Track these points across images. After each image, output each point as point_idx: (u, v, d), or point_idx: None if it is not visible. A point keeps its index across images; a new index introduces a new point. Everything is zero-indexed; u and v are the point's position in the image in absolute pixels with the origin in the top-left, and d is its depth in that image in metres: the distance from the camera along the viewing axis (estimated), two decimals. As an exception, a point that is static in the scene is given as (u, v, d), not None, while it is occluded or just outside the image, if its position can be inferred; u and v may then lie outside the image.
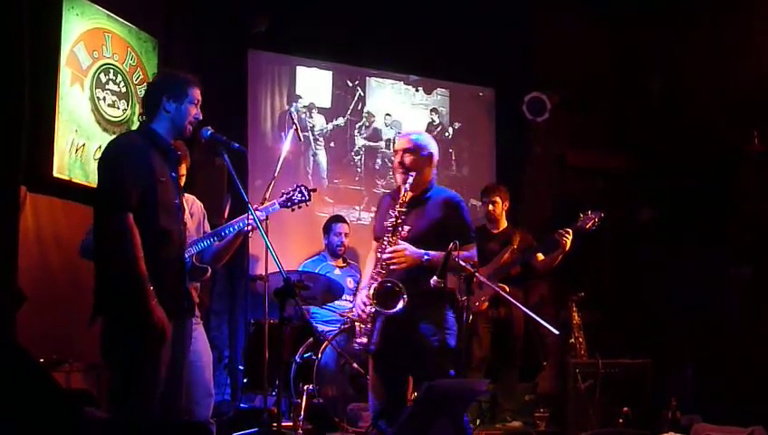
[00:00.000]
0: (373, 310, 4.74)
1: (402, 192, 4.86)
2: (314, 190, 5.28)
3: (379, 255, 4.81)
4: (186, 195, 4.90)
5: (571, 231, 6.83)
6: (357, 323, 4.86)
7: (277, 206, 5.08)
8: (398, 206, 4.82)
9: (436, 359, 4.76)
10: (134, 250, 3.84)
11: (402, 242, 4.77)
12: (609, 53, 8.57)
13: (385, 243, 4.79)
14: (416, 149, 4.93)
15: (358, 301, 4.90)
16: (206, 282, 5.58)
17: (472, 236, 4.99)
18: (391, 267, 4.74)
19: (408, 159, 4.90)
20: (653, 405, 6.67)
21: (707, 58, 8.00)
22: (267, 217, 5.17)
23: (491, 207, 7.22)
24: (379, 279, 4.74)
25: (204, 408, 5.00)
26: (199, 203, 5.25)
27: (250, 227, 4.76)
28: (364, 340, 4.77)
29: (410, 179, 4.85)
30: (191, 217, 5.01)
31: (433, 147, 5.04)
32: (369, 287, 4.76)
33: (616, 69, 8.61)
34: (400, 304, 4.67)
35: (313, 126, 8.28)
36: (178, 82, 4.16)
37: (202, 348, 5.04)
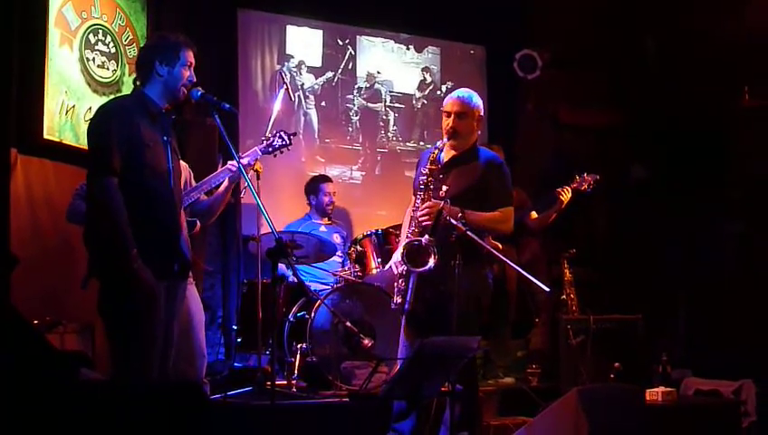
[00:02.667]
0: (405, 268, 4.70)
1: (435, 150, 4.80)
2: (294, 135, 5.32)
3: (412, 213, 4.77)
4: None
5: (570, 188, 6.85)
6: (395, 283, 4.81)
7: (259, 152, 5.10)
8: (428, 163, 4.77)
9: (470, 321, 4.69)
10: (116, 213, 3.88)
11: (434, 199, 4.70)
12: (601, 9, 8.52)
13: (418, 201, 4.74)
14: (468, 114, 4.86)
15: (395, 258, 4.87)
16: (198, 241, 5.59)
17: (510, 200, 4.94)
18: (423, 224, 4.69)
19: (460, 123, 4.84)
20: (644, 360, 6.72)
21: (700, 14, 7.96)
22: (253, 165, 5.18)
23: None
24: (412, 238, 4.70)
25: (197, 368, 5.04)
26: (183, 163, 5.27)
27: (244, 188, 4.78)
28: (399, 299, 4.74)
29: (446, 139, 4.80)
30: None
31: (481, 107, 4.96)
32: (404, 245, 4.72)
33: (608, 25, 8.57)
34: (431, 262, 4.61)
35: (303, 84, 8.25)
36: (171, 46, 4.17)
37: (194, 308, 5.06)
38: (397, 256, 4.84)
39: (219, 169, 4.98)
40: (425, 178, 4.75)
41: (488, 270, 4.92)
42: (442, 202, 4.70)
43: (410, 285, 4.69)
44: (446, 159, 4.85)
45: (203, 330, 5.15)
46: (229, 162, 4.94)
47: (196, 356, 5.02)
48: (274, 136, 5.14)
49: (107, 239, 3.93)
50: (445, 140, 4.82)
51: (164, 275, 4.06)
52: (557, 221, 7.09)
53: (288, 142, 5.17)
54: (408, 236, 4.75)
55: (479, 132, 4.99)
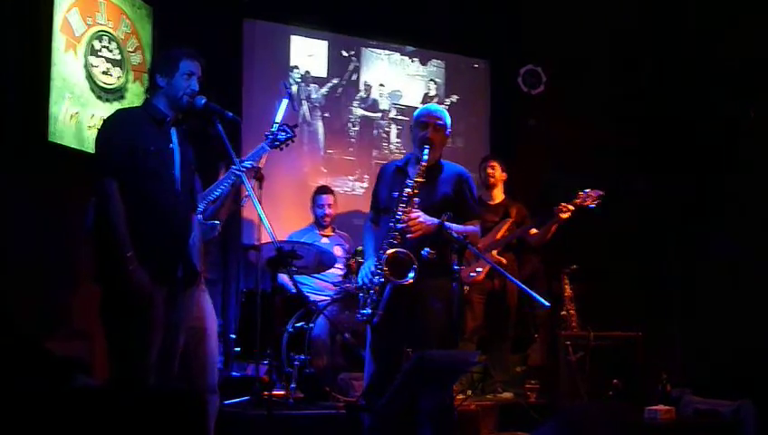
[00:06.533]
0: (382, 280, 4.66)
1: (421, 163, 4.79)
2: (296, 126, 5.35)
3: (391, 224, 4.73)
4: None
5: (572, 207, 6.83)
6: (361, 293, 4.79)
7: (267, 147, 5.11)
8: (416, 177, 4.75)
9: (444, 334, 4.69)
10: (113, 213, 3.94)
11: (416, 210, 4.71)
12: (604, 24, 8.53)
13: (399, 213, 4.71)
14: (444, 127, 4.91)
15: (364, 271, 4.82)
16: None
17: (478, 212, 4.98)
18: (408, 236, 4.67)
19: (438, 135, 4.87)
20: (643, 378, 6.71)
21: (703, 29, 7.97)
22: (260, 161, 5.18)
23: (490, 170, 7.24)
24: (391, 250, 4.67)
25: (207, 377, 4.97)
26: None
27: (245, 196, 4.76)
28: (368, 310, 4.70)
29: (426, 151, 4.80)
30: None
31: (450, 121, 5.02)
32: (383, 256, 4.67)
33: (611, 41, 8.58)
34: (411, 275, 4.61)
35: (308, 96, 8.26)
36: (169, 57, 4.27)
37: (207, 316, 5.02)
38: (368, 267, 4.79)
39: (222, 176, 4.98)
40: (411, 190, 4.73)
41: (454, 282, 4.83)
42: (444, 215, 4.72)
43: (384, 297, 4.67)
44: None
45: (215, 338, 5.09)
46: (232, 167, 4.93)
47: (208, 365, 4.97)
48: (278, 130, 5.16)
49: (104, 240, 3.97)
50: (426, 152, 4.82)
51: (164, 279, 4.07)
52: (557, 236, 7.08)
53: (293, 135, 5.20)
54: (383, 248, 4.71)
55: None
